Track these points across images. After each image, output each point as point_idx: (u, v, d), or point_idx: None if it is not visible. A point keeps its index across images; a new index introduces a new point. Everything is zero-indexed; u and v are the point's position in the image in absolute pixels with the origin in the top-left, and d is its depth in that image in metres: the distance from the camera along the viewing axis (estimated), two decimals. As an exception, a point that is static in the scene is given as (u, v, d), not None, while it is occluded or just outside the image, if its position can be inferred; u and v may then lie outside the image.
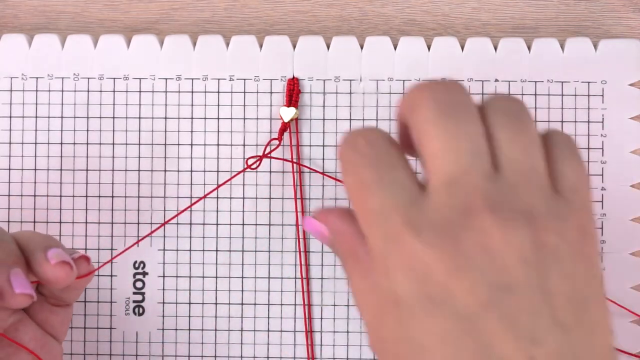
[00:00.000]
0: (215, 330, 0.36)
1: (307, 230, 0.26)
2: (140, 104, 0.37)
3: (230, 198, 0.37)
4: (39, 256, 0.28)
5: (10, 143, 0.37)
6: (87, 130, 0.37)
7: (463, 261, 0.21)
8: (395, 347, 0.22)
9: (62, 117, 0.37)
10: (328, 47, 0.37)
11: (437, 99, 0.23)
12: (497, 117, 0.23)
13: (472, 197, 0.22)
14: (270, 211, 0.36)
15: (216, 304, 0.36)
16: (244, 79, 0.37)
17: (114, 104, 0.37)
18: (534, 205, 0.22)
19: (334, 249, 0.26)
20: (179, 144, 0.37)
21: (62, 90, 0.37)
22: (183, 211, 0.36)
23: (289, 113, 0.36)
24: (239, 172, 0.36)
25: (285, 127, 0.36)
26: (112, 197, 0.37)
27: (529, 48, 0.37)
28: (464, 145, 0.22)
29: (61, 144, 0.37)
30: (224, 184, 0.36)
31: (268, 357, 0.36)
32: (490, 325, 0.21)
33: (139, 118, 0.37)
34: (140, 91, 0.37)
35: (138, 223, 0.37)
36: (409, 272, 0.22)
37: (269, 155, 0.36)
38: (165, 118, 0.37)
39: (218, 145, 0.37)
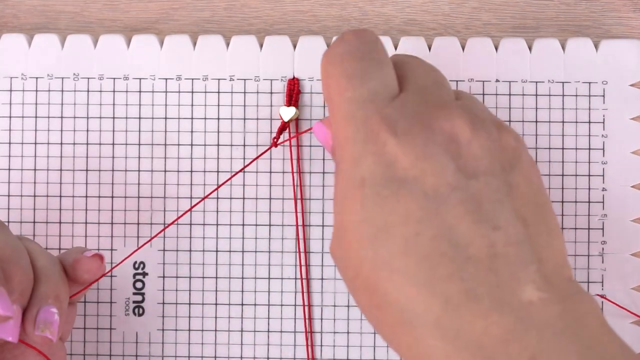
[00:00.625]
0: (215, 330, 0.36)
1: (316, 134, 0.28)
2: (140, 104, 0.37)
3: (231, 198, 0.37)
4: (75, 252, 0.30)
5: (10, 143, 0.37)
6: (87, 131, 0.37)
7: (434, 147, 0.23)
8: (355, 231, 0.23)
9: (62, 117, 0.37)
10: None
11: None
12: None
13: (445, 98, 0.24)
14: (270, 212, 0.36)
15: (216, 304, 0.36)
16: (244, 79, 0.37)
17: (113, 104, 0.37)
18: (491, 116, 0.25)
19: (333, 155, 0.27)
20: (179, 144, 0.37)
21: (62, 90, 0.37)
22: (200, 202, 0.36)
23: (288, 113, 0.36)
24: (264, 152, 0.36)
25: (284, 126, 0.36)
26: (112, 197, 0.37)
27: (529, 48, 0.36)
28: (431, 68, 0.26)
29: (61, 144, 0.37)
30: (240, 171, 0.36)
31: (268, 358, 0.36)
32: (454, 207, 0.22)
33: (139, 118, 0.37)
34: (140, 91, 0.37)
35: (138, 223, 0.37)
36: (380, 156, 0.23)
37: (278, 143, 0.36)
38: (165, 118, 0.37)
39: (218, 145, 0.37)
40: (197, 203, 0.36)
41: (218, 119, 0.37)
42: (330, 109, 0.25)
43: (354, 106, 0.24)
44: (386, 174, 0.23)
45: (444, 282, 0.21)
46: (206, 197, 0.36)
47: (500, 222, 0.22)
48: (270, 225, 0.37)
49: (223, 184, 0.36)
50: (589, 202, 0.36)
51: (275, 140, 0.36)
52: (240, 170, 0.36)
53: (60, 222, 0.37)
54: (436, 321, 0.21)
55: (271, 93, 0.37)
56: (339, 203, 0.24)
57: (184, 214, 0.36)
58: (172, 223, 0.36)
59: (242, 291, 0.36)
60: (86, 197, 0.37)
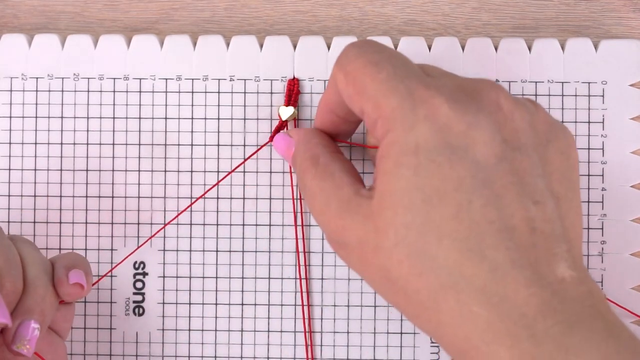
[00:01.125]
0: (216, 330, 0.36)
1: (275, 145, 0.30)
2: (140, 104, 0.37)
3: (231, 199, 0.37)
4: (60, 274, 0.30)
5: (10, 143, 0.37)
6: (87, 131, 0.37)
7: (483, 116, 0.23)
8: (404, 197, 0.23)
9: (62, 117, 0.37)
10: (328, 47, 0.37)
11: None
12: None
13: (479, 78, 0.26)
14: (270, 212, 0.36)
15: (216, 304, 0.36)
16: (244, 79, 0.37)
17: (114, 104, 0.37)
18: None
19: (294, 161, 0.29)
20: (179, 145, 0.37)
21: (62, 91, 0.37)
22: (205, 193, 0.36)
23: (287, 112, 0.36)
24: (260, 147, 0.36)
25: (281, 125, 0.36)
26: (112, 197, 0.37)
27: (529, 48, 0.37)
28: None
29: (61, 144, 0.37)
30: (232, 171, 0.36)
31: (268, 358, 0.36)
32: (501, 178, 0.23)
33: (139, 118, 0.37)
34: (140, 91, 0.37)
35: (138, 223, 0.37)
36: (433, 121, 0.23)
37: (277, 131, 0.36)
38: (166, 118, 0.37)
39: (218, 145, 0.37)
40: (193, 203, 0.36)
41: (218, 119, 0.37)
42: (359, 98, 0.25)
43: (393, 82, 0.24)
44: (440, 139, 0.23)
45: (492, 250, 0.22)
46: (201, 196, 0.36)
47: (538, 197, 0.23)
48: (270, 225, 0.37)
49: (215, 184, 0.36)
50: (588, 202, 0.36)
51: (271, 137, 0.36)
52: (232, 170, 0.36)
53: (60, 222, 0.37)
54: (483, 286, 0.22)
55: (271, 93, 0.37)
56: (387, 172, 0.24)
57: (180, 213, 0.36)
58: (169, 222, 0.36)
59: (242, 291, 0.36)
60: (86, 197, 0.37)
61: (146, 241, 0.36)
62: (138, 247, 0.36)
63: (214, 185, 0.36)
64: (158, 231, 0.36)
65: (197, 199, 0.36)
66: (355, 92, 0.25)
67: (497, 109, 0.24)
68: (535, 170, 0.23)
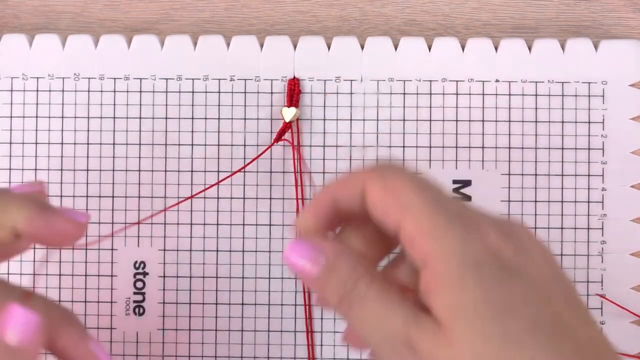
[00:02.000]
0: (216, 330, 0.36)
1: (290, 260, 0.25)
2: (140, 104, 0.37)
3: (231, 198, 0.37)
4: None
5: (10, 143, 0.37)
6: (88, 131, 0.37)
7: (524, 244, 0.25)
8: (477, 309, 0.23)
9: (62, 117, 0.37)
10: (328, 47, 0.37)
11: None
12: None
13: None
14: (270, 211, 0.36)
15: (216, 304, 0.36)
16: (245, 79, 0.37)
17: (114, 104, 0.37)
18: None
19: (336, 270, 0.25)
20: (179, 144, 0.37)
21: (63, 90, 0.37)
22: (208, 187, 0.36)
23: (290, 113, 0.36)
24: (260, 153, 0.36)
25: (286, 127, 0.36)
26: (113, 197, 0.37)
27: (529, 48, 0.37)
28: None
29: (62, 144, 0.37)
30: (238, 170, 0.36)
31: (268, 357, 0.36)
32: (557, 296, 0.24)
33: (140, 118, 0.37)
34: (140, 91, 0.37)
35: (138, 223, 0.37)
36: (485, 245, 0.24)
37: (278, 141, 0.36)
38: (166, 118, 0.37)
39: (219, 145, 0.37)
40: (219, 182, 0.36)
41: (218, 119, 0.37)
42: (398, 212, 0.25)
43: (440, 202, 0.25)
44: (495, 259, 0.24)
45: (571, 356, 0.23)
46: (198, 193, 0.36)
47: (588, 319, 0.24)
48: (270, 225, 0.37)
49: (211, 186, 0.36)
50: (588, 202, 0.36)
51: (276, 139, 0.36)
52: (239, 170, 0.36)
53: (60, 222, 0.37)
54: None
55: (271, 93, 0.37)
56: (449, 286, 0.24)
57: (205, 189, 0.36)
58: (155, 214, 0.36)
59: (243, 291, 0.36)
60: (87, 197, 0.37)
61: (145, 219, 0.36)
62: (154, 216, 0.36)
63: (210, 187, 0.36)
64: (171, 207, 0.36)
65: (227, 176, 0.36)
66: (394, 205, 0.25)
67: (532, 243, 0.25)
68: (576, 297, 0.25)
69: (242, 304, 0.36)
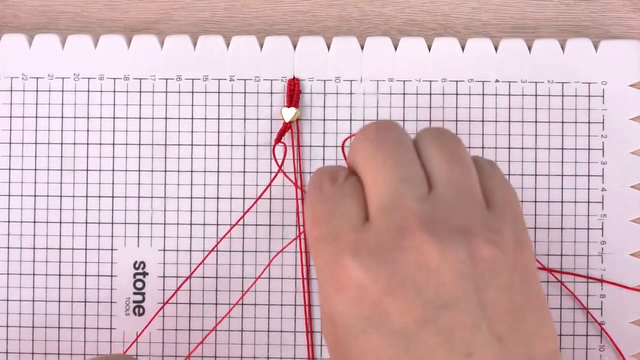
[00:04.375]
0: (216, 330, 0.36)
1: None
2: (140, 104, 0.37)
3: (231, 198, 0.37)
4: None
5: (10, 143, 0.37)
6: (88, 131, 0.37)
7: (398, 281, 0.22)
8: None
9: (62, 117, 0.37)
10: (328, 47, 0.37)
11: (369, 138, 0.24)
12: (431, 144, 0.25)
13: (407, 219, 0.22)
14: (270, 211, 0.36)
15: (216, 304, 0.36)
16: (245, 79, 0.37)
17: (114, 104, 0.37)
18: (471, 221, 0.23)
19: None
20: (179, 145, 0.37)
21: (63, 90, 0.37)
22: (229, 229, 0.36)
23: (290, 113, 0.36)
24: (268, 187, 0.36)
25: (286, 127, 0.36)
26: (113, 197, 0.37)
27: (529, 49, 0.37)
28: (395, 173, 0.23)
29: (61, 144, 0.37)
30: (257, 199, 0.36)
31: (268, 358, 0.36)
32: (426, 341, 0.21)
33: (139, 118, 0.37)
34: (140, 91, 0.37)
35: (138, 223, 0.37)
36: (344, 294, 0.22)
37: (281, 139, 0.36)
38: (166, 118, 0.37)
39: (218, 145, 0.37)
40: (229, 230, 0.36)
41: (218, 119, 0.37)
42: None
43: (319, 246, 0.24)
44: (353, 312, 0.22)
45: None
46: (234, 225, 0.36)
47: (473, 349, 0.21)
48: (270, 225, 0.37)
49: (248, 209, 0.36)
50: (588, 202, 0.36)
51: (277, 141, 0.36)
52: (254, 203, 0.36)
53: (60, 222, 0.37)
54: None
55: (271, 93, 0.37)
56: (324, 333, 0.24)
57: (223, 236, 0.36)
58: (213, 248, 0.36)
59: (242, 291, 0.36)
60: (86, 197, 0.37)
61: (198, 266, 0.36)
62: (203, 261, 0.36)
63: (246, 211, 0.36)
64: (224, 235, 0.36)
65: (231, 227, 0.36)
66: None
67: (418, 269, 0.22)
68: (470, 319, 0.21)
69: (242, 304, 0.36)
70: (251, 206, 0.36)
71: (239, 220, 0.36)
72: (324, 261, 0.23)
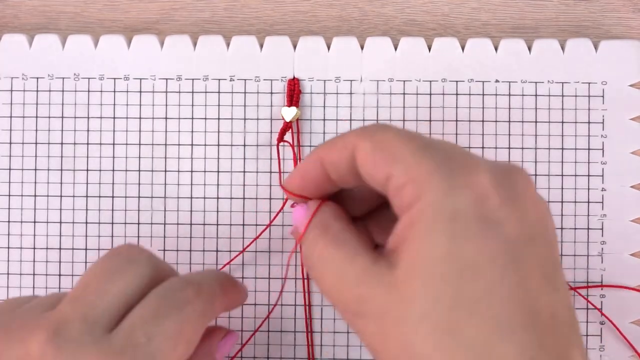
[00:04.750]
0: (216, 330, 0.36)
1: (294, 217, 0.27)
2: (140, 104, 0.37)
3: (231, 199, 0.37)
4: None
5: (10, 143, 0.37)
6: (88, 131, 0.37)
7: (516, 195, 0.23)
8: (437, 266, 0.22)
9: (62, 117, 0.37)
10: (328, 48, 0.37)
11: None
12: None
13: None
14: (270, 212, 0.36)
15: (216, 304, 0.36)
16: (245, 79, 0.37)
17: (114, 104, 0.37)
18: None
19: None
20: (179, 145, 0.37)
21: (63, 90, 0.37)
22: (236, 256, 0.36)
23: (290, 113, 0.36)
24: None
25: (287, 127, 0.36)
26: (113, 197, 0.37)
27: (529, 49, 0.37)
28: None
29: (61, 144, 0.37)
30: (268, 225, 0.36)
31: (268, 358, 0.36)
32: (528, 259, 0.22)
33: (140, 118, 0.37)
34: (140, 91, 0.37)
35: (138, 223, 0.37)
36: (471, 191, 0.22)
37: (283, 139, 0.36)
38: (166, 118, 0.37)
39: (218, 145, 0.37)
40: (250, 243, 0.36)
41: (218, 119, 0.37)
42: (387, 163, 0.24)
43: (429, 148, 0.24)
44: (476, 209, 0.22)
45: (521, 331, 0.21)
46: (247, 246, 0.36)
47: (558, 285, 0.23)
48: (270, 225, 0.37)
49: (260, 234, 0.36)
50: (588, 202, 0.36)
51: (279, 140, 0.36)
52: (268, 225, 0.36)
53: (60, 222, 0.37)
54: None
55: (271, 93, 0.37)
56: (418, 238, 0.23)
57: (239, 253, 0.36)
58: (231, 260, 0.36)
59: (243, 291, 0.36)
60: (86, 197, 0.37)
61: (224, 266, 0.36)
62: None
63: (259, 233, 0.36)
64: (233, 258, 0.36)
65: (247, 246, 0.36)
66: (382, 157, 0.24)
67: (527, 192, 0.23)
68: (554, 258, 0.23)
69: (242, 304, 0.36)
70: (271, 221, 0.36)
71: (264, 230, 0.36)
72: (439, 159, 0.23)
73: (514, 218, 0.22)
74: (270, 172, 0.37)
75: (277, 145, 0.36)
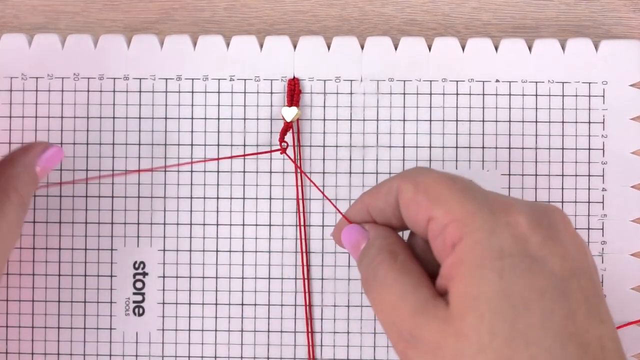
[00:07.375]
0: (216, 330, 0.36)
1: (345, 236, 0.29)
2: (140, 104, 0.37)
3: (231, 199, 0.37)
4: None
5: (10, 143, 0.37)
6: (87, 131, 0.37)
7: (555, 232, 0.24)
8: (490, 302, 0.23)
9: (62, 117, 0.37)
10: (328, 47, 0.37)
11: None
12: None
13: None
14: (270, 212, 0.36)
15: (216, 304, 0.36)
16: (244, 79, 0.37)
17: (114, 104, 0.37)
18: None
19: (366, 253, 0.28)
20: (179, 144, 0.37)
21: (62, 90, 0.37)
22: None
23: (290, 113, 0.36)
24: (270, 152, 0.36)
25: (287, 127, 0.36)
26: (112, 197, 0.37)
27: (529, 48, 0.36)
28: None
29: (61, 144, 0.37)
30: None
31: (268, 358, 0.36)
32: (574, 293, 0.23)
33: (139, 118, 0.37)
34: (140, 91, 0.37)
35: (138, 223, 0.37)
36: (512, 230, 0.24)
37: (282, 144, 0.36)
38: (166, 118, 0.37)
39: (218, 145, 0.37)
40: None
41: (218, 119, 0.37)
42: (429, 205, 0.25)
43: (470, 191, 0.25)
44: (521, 247, 0.24)
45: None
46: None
47: (603, 317, 0.24)
48: (270, 225, 0.37)
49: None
50: (588, 202, 0.36)
51: (280, 140, 0.36)
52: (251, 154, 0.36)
53: (60, 222, 0.37)
54: None
55: (271, 93, 0.37)
56: (468, 275, 0.24)
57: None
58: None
59: (242, 291, 0.36)
60: (86, 197, 0.37)
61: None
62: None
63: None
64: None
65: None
66: (425, 199, 0.26)
67: (566, 230, 0.25)
68: (597, 291, 0.24)
69: (242, 304, 0.36)
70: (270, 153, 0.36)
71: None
72: (480, 201, 0.25)
73: (556, 255, 0.24)
74: (270, 172, 0.37)
75: (280, 145, 0.36)
